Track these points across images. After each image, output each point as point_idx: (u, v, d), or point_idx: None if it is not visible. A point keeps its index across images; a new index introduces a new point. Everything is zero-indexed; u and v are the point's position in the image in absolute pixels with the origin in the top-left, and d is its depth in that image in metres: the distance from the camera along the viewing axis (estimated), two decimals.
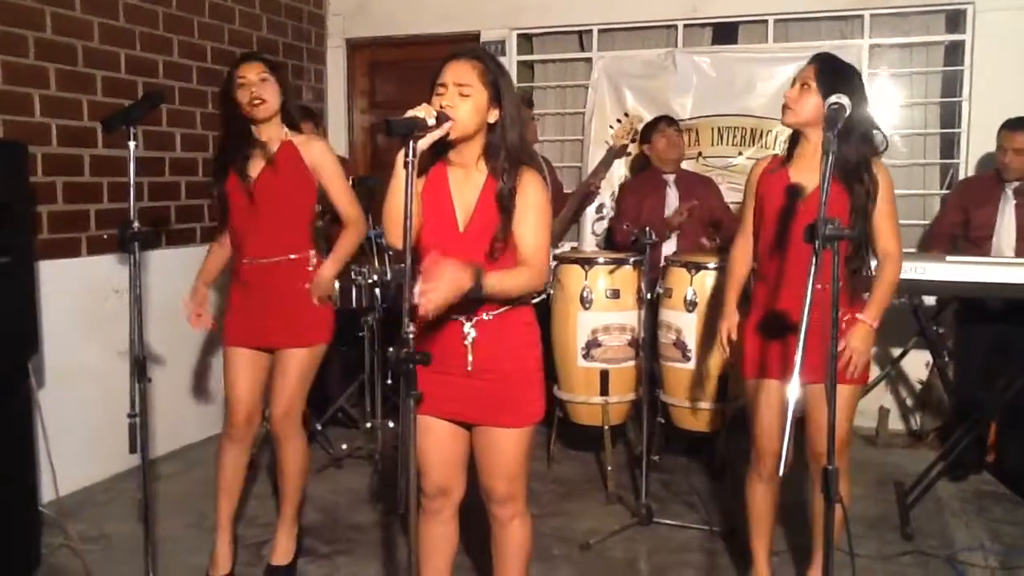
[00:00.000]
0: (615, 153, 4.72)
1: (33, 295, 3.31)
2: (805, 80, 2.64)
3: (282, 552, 3.25)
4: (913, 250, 4.79)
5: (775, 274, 2.73)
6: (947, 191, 4.71)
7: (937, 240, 4.24)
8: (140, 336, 2.53)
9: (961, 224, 4.20)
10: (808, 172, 2.66)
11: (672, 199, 4.53)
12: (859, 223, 2.62)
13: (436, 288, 2.01)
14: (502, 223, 2.24)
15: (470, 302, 2.18)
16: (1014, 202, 4.05)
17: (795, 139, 2.77)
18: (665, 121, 4.64)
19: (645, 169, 4.74)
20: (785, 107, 2.68)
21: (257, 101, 2.94)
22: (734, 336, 2.92)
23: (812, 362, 2.16)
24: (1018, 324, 3.87)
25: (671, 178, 4.58)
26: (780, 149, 4.92)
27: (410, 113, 2.07)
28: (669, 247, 4.45)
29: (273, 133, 3.03)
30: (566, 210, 4.68)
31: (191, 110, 4.69)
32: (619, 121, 5.25)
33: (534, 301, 3.81)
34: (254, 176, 2.99)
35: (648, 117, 5.31)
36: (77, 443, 3.91)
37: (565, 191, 4.97)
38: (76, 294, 4.00)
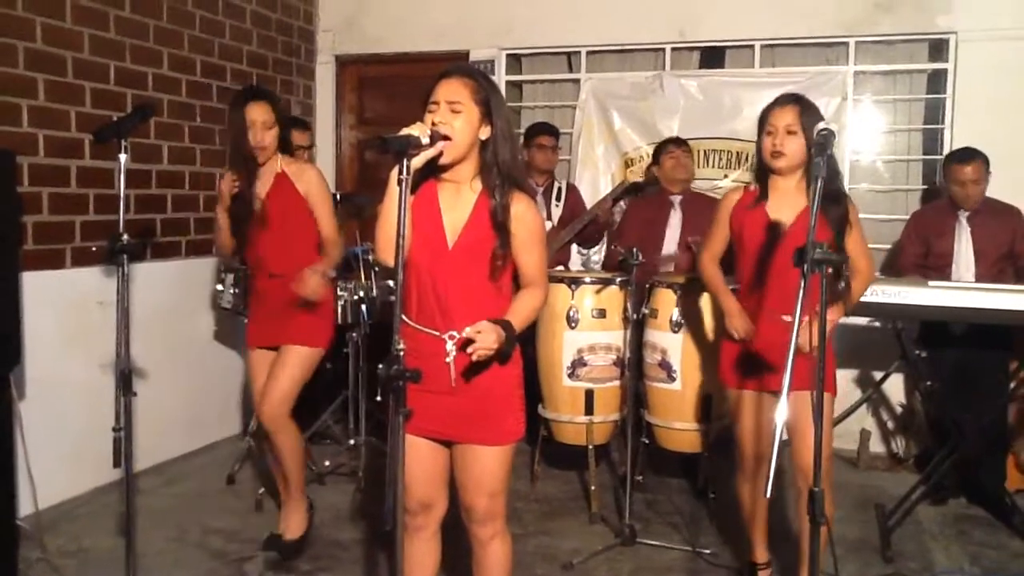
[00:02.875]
0: (627, 188, 4.74)
1: (17, 306, 3.28)
2: (790, 127, 2.80)
3: (295, 526, 3.50)
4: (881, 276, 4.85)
5: (756, 305, 2.92)
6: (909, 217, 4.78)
7: (905, 272, 4.30)
8: (126, 349, 2.52)
9: (923, 254, 4.28)
10: (786, 207, 2.87)
11: (675, 222, 4.55)
12: (841, 246, 2.80)
13: (488, 339, 2.12)
14: (500, 240, 2.25)
15: (461, 316, 2.24)
16: (969, 229, 4.15)
17: (765, 174, 2.92)
18: (674, 142, 4.67)
19: (655, 190, 4.76)
20: (777, 154, 2.82)
21: (260, 148, 3.25)
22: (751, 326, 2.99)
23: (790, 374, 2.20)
24: (979, 349, 3.93)
25: (677, 200, 4.59)
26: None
27: (404, 131, 2.08)
28: (667, 266, 4.48)
29: (268, 167, 3.32)
30: (565, 232, 4.70)
31: (179, 123, 4.69)
32: (641, 158, 5.35)
33: None
34: (256, 206, 3.30)
35: (636, 139, 5.40)
36: (57, 456, 3.87)
37: None
38: (60, 306, 3.97)
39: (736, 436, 3.08)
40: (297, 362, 3.35)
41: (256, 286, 3.44)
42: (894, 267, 4.61)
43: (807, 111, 2.80)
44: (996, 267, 4.14)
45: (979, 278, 4.08)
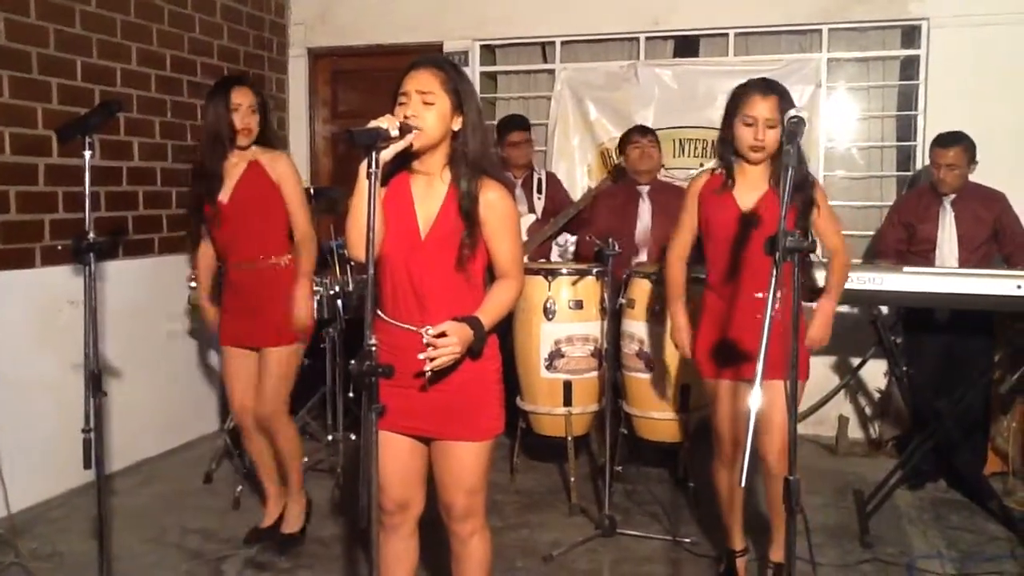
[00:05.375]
0: (609, 181, 4.72)
1: None
2: (770, 121, 2.75)
3: (293, 520, 3.55)
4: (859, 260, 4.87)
5: (727, 287, 2.89)
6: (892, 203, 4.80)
7: (884, 258, 4.31)
8: (95, 350, 2.48)
9: (905, 240, 4.29)
10: (750, 191, 2.86)
11: (644, 212, 4.53)
12: (806, 229, 2.80)
13: (447, 348, 2.12)
14: (467, 231, 2.23)
15: (438, 310, 2.22)
16: (952, 214, 4.16)
17: (732, 158, 2.89)
18: (638, 131, 4.61)
19: (624, 180, 4.71)
20: (758, 148, 2.78)
21: (246, 131, 3.29)
22: (690, 344, 3.08)
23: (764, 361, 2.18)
24: (964, 334, 3.95)
25: (645, 190, 4.55)
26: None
27: (373, 124, 2.06)
28: (640, 257, 4.47)
29: (244, 154, 3.34)
30: (549, 227, 4.67)
31: (150, 119, 4.63)
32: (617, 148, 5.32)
33: None
34: (228, 194, 3.31)
35: (611, 129, 5.39)
36: (29, 458, 3.82)
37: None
38: (29, 305, 3.91)
39: (713, 424, 3.06)
40: (279, 364, 3.38)
41: (228, 277, 3.42)
42: (874, 253, 4.63)
43: (784, 101, 2.75)
44: (979, 252, 4.14)
45: (963, 263, 4.07)
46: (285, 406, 3.45)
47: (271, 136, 3.46)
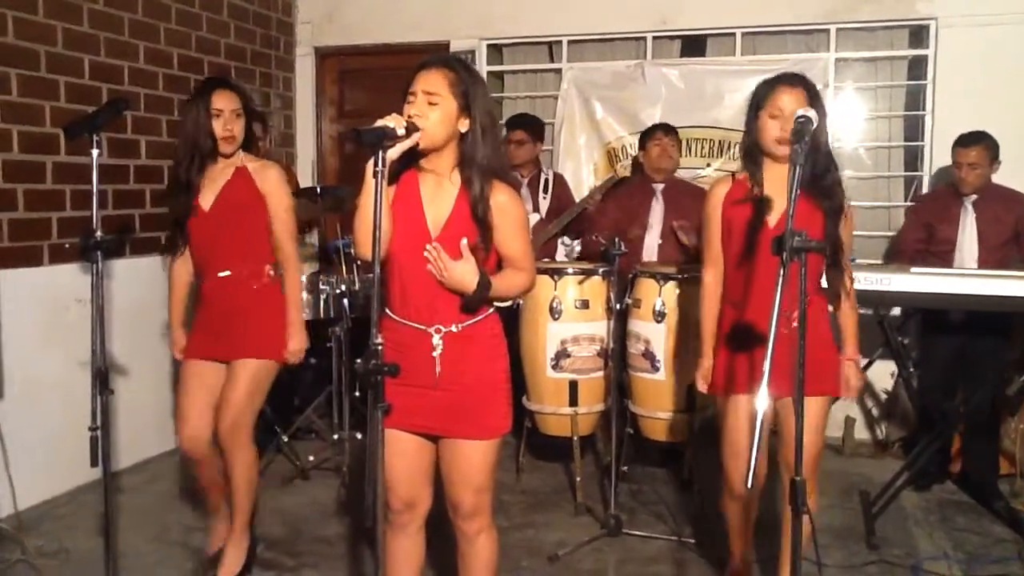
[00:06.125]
0: (616, 183, 4.72)
1: None
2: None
3: (229, 566, 3.17)
4: (879, 262, 4.86)
5: (744, 294, 2.75)
6: (912, 203, 4.78)
7: (905, 258, 4.29)
8: (102, 347, 2.48)
9: (925, 240, 4.27)
10: (779, 196, 2.62)
11: (657, 210, 4.53)
12: (833, 239, 2.64)
13: (451, 265, 2.19)
14: (480, 234, 2.23)
15: (448, 309, 2.24)
16: (973, 215, 4.13)
17: (758, 157, 2.72)
18: (662, 129, 4.61)
19: (636, 177, 4.68)
20: (783, 141, 2.59)
21: (230, 138, 3.03)
22: (708, 381, 2.91)
23: (783, 375, 2.17)
24: (978, 335, 3.93)
25: (660, 188, 4.55)
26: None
27: (379, 123, 2.06)
28: (650, 255, 4.47)
29: (230, 160, 3.10)
30: (553, 226, 4.67)
31: (157, 117, 4.64)
32: (623, 147, 5.35)
33: (503, 305, 3.84)
34: (211, 201, 3.07)
35: (618, 128, 5.39)
36: (37, 456, 3.83)
37: None
38: (37, 303, 3.92)
39: (722, 452, 2.81)
40: (249, 377, 3.05)
41: (203, 288, 3.14)
42: (893, 253, 4.61)
43: (812, 95, 2.61)
44: (999, 253, 4.11)
45: (982, 264, 4.05)
46: (249, 425, 3.10)
47: (254, 143, 3.22)
